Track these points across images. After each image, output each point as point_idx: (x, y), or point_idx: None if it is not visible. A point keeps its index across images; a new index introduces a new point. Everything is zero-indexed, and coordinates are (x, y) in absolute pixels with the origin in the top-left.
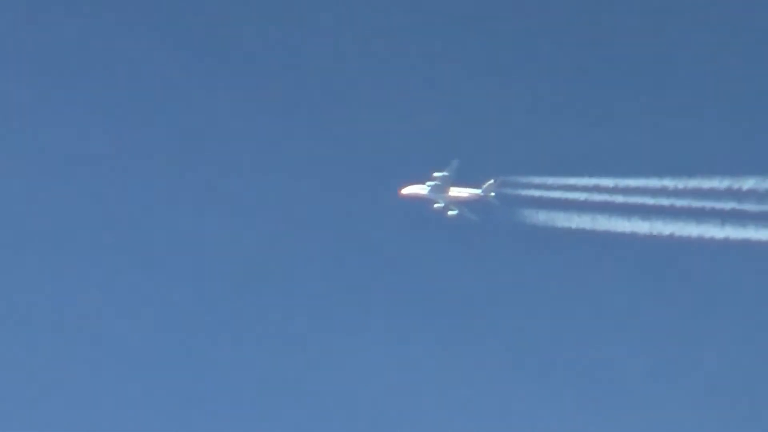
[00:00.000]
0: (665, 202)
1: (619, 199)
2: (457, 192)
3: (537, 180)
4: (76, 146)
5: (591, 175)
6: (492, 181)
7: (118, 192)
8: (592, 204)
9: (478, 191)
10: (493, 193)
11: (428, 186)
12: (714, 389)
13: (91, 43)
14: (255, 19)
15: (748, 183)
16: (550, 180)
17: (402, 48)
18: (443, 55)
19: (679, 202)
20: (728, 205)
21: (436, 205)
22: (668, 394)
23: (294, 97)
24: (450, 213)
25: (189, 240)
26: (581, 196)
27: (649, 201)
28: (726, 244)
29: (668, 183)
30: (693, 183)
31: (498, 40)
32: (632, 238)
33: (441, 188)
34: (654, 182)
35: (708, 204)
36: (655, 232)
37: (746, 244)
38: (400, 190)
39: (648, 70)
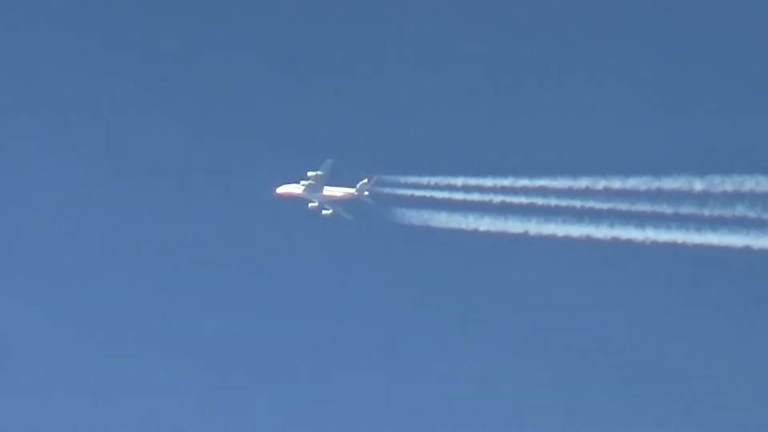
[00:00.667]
0: (540, 201)
1: (495, 198)
2: (331, 191)
3: (411, 179)
4: None
5: (465, 174)
6: (366, 181)
7: None
8: (467, 204)
9: (352, 190)
10: (367, 193)
11: (303, 185)
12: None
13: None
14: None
15: (623, 182)
16: (425, 179)
17: (277, 45)
18: (315, 51)
19: (557, 202)
20: (600, 204)
21: (310, 205)
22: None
23: (171, 93)
24: (324, 212)
25: None
26: (456, 195)
27: (524, 200)
28: (595, 243)
29: (545, 182)
30: (569, 182)
31: (369, 35)
32: (506, 237)
33: (315, 187)
34: (529, 181)
35: (583, 203)
36: (530, 232)
37: (619, 243)
38: (275, 189)
39: (527, 67)
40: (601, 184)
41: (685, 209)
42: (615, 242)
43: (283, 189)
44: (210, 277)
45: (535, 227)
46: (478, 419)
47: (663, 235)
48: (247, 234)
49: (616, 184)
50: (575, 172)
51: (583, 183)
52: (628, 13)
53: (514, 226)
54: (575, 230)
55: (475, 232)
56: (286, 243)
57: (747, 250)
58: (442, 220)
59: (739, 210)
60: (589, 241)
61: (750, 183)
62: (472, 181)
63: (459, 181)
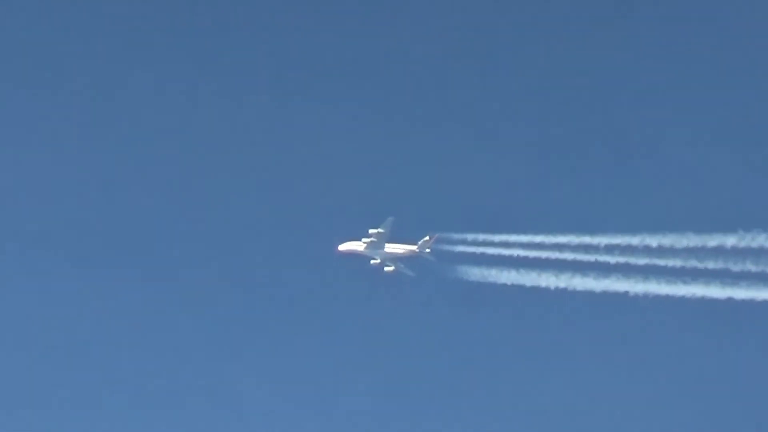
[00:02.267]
0: (598, 258)
1: (551, 255)
2: (393, 248)
3: (471, 236)
4: None
5: (524, 232)
6: (427, 238)
7: None
8: (525, 260)
9: (413, 247)
10: (428, 250)
11: (365, 242)
12: None
13: None
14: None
15: (678, 240)
16: (484, 237)
17: (333, 104)
18: (381, 110)
19: (610, 259)
20: (659, 261)
21: (372, 261)
22: None
23: (236, 156)
24: (387, 269)
25: None
26: (514, 252)
27: (582, 257)
28: (655, 299)
29: (598, 239)
30: (624, 239)
31: (427, 97)
32: (565, 294)
33: (377, 245)
34: (584, 239)
35: (638, 260)
36: (587, 288)
37: (675, 301)
38: (338, 246)
39: (582, 132)
40: (653, 241)
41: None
42: (676, 299)
43: (346, 246)
44: (276, 334)
45: (595, 284)
46: None
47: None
48: (313, 289)
49: (677, 241)
50: (634, 230)
51: (642, 240)
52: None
53: (573, 282)
54: (633, 286)
55: (536, 289)
56: (350, 299)
57: None
58: (502, 276)
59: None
60: (653, 298)
61: None
62: (532, 239)
63: (519, 238)
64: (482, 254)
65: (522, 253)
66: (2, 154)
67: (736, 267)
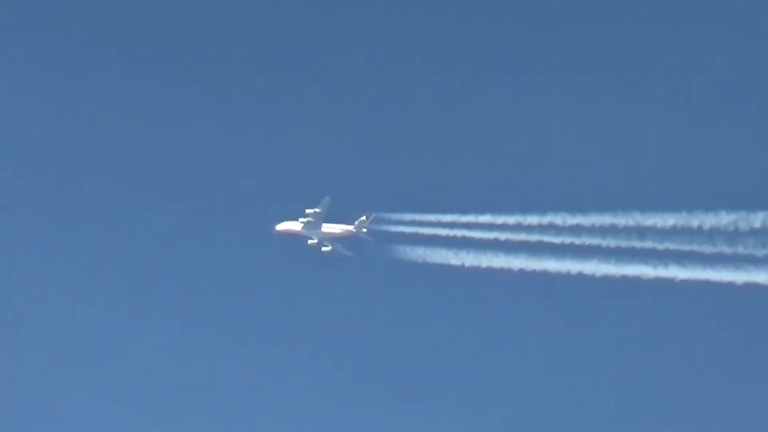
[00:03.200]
0: (536, 237)
1: (491, 235)
2: (329, 228)
3: (408, 217)
4: None
5: (461, 212)
6: (364, 218)
7: None
8: (462, 240)
9: (350, 227)
10: (365, 230)
11: (301, 222)
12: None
13: None
14: None
15: (615, 219)
16: (422, 217)
17: (274, 83)
18: (314, 87)
19: (550, 238)
20: (598, 240)
21: (310, 242)
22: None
23: (177, 137)
24: (324, 249)
25: None
26: (451, 232)
27: (518, 236)
28: (594, 280)
29: (539, 219)
30: (561, 219)
31: (368, 73)
32: (503, 273)
33: (314, 224)
34: (524, 218)
35: (577, 240)
36: (526, 268)
37: (614, 280)
38: (275, 226)
39: (517, 104)
40: (598, 220)
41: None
42: (616, 279)
43: (283, 226)
44: (212, 314)
45: (531, 263)
46: None
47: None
48: (249, 270)
49: (612, 219)
50: (571, 209)
51: (580, 219)
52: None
53: (508, 262)
54: (572, 266)
55: (471, 269)
56: (287, 279)
57: None
58: (438, 256)
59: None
60: (586, 277)
61: None
62: (469, 219)
63: (455, 218)
64: (419, 234)
65: (459, 233)
66: None
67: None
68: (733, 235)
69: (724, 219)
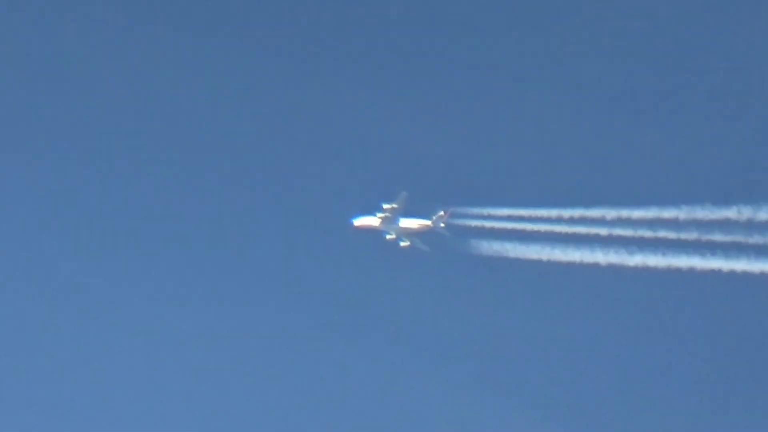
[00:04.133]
0: (618, 232)
1: (567, 229)
2: (407, 223)
3: (486, 211)
4: None
5: (539, 205)
6: (441, 213)
7: None
8: (541, 234)
9: (428, 222)
10: (443, 225)
11: (379, 217)
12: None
13: None
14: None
15: (693, 212)
16: (498, 211)
17: (349, 80)
18: (393, 85)
19: (629, 232)
20: (675, 234)
21: (388, 237)
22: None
23: (248, 129)
24: (402, 244)
25: None
26: (530, 226)
27: (599, 231)
28: (680, 273)
29: (618, 213)
30: (641, 213)
31: (439, 71)
32: (582, 267)
33: (391, 220)
34: (601, 212)
35: (654, 233)
36: (604, 262)
37: (695, 274)
38: (353, 221)
39: (590, 101)
40: (681, 213)
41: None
42: (696, 272)
43: (361, 221)
44: (292, 310)
45: (611, 257)
46: None
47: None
48: (329, 265)
49: (694, 213)
50: (649, 203)
51: (662, 213)
52: None
53: (588, 256)
54: (652, 260)
55: (550, 263)
56: (367, 274)
57: None
58: (517, 251)
59: None
60: (667, 271)
61: None
62: (547, 213)
63: (533, 212)
64: (497, 228)
65: (538, 227)
66: None
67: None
68: None
69: None
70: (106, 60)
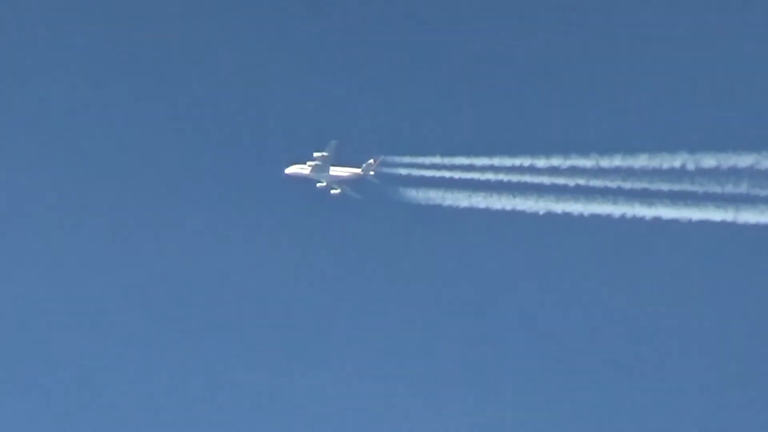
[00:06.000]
0: (542, 179)
1: (494, 177)
2: (338, 171)
3: (414, 159)
4: None
5: (466, 153)
6: (371, 161)
7: None
8: (469, 182)
9: (358, 170)
10: (372, 172)
11: (310, 165)
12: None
13: None
14: None
15: (615, 160)
16: (427, 159)
17: (279, 29)
18: (319, 36)
19: (562, 180)
20: (595, 181)
21: (318, 185)
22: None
23: (182, 81)
24: (333, 192)
25: None
26: (458, 174)
27: (522, 178)
28: (584, 220)
29: (543, 161)
30: (571, 160)
31: (376, 23)
32: (507, 214)
33: (322, 168)
34: (527, 160)
35: (576, 179)
36: (528, 209)
37: (622, 221)
38: (284, 169)
39: (520, 50)
40: (610, 161)
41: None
42: (620, 220)
43: (292, 169)
44: (225, 258)
45: (537, 205)
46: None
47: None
48: (260, 213)
49: (622, 161)
50: (574, 150)
51: (587, 161)
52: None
53: (514, 203)
54: (574, 207)
55: (478, 210)
56: (298, 221)
57: None
58: (445, 198)
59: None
60: (595, 219)
61: None
62: (474, 161)
63: (461, 161)
64: (425, 177)
65: (465, 174)
66: None
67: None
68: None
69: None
70: None
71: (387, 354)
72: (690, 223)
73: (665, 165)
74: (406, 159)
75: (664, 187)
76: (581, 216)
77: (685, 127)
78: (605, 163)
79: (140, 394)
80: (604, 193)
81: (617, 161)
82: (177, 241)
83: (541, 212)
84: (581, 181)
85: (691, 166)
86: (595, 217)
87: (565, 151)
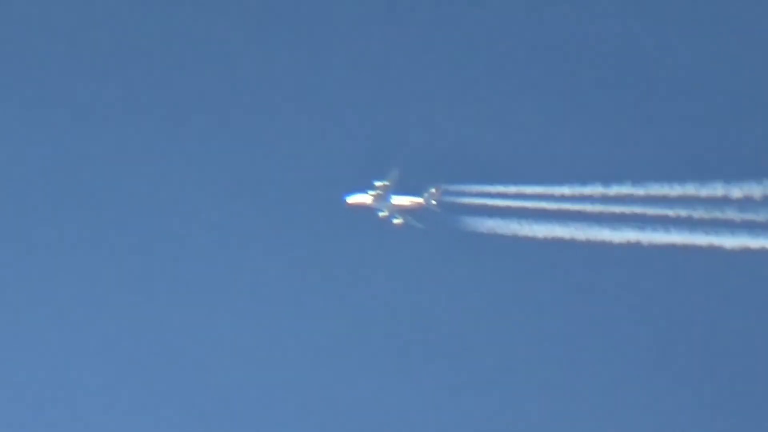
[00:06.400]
0: (601, 208)
1: (559, 206)
2: (399, 201)
3: (478, 188)
4: None
5: (531, 182)
6: (433, 190)
7: None
8: (531, 211)
9: (420, 200)
10: (434, 202)
11: (371, 195)
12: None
13: None
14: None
15: (671, 189)
16: (491, 188)
17: (341, 58)
18: (382, 64)
19: (620, 209)
20: (659, 210)
21: (381, 214)
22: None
23: (241, 114)
24: (395, 221)
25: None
26: (521, 203)
27: (584, 207)
28: (660, 249)
29: (606, 190)
30: (632, 190)
31: (440, 53)
32: (571, 244)
33: (384, 197)
34: (589, 189)
35: (644, 209)
36: (590, 238)
37: (671, 249)
38: (346, 199)
39: (577, 80)
40: (675, 190)
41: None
42: (688, 248)
43: (354, 199)
44: (286, 287)
45: (602, 234)
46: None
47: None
48: (323, 242)
49: (688, 190)
50: (643, 179)
51: (652, 190)
52: None
53: (581, 232)
54: (645, 236)
55: (543, 240)
56: (360, 251)
57: None
58: (509, 227)
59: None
60: (660, 247)
61: None
62: (538, 190)
63: (525, 189)
64: (488, 205)
65: (529, 204)
66: None
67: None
68: None
69: None
70: None
71: (456, 384)
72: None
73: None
74: (469, 188)
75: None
76: (651, 245)
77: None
78: (675, 191)
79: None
80: (674, 223)
81: (688, 190)
82: (238, 272)
83: (607, 241)
84: (655, 211)
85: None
86: (666, 247)
87: (633, 178)
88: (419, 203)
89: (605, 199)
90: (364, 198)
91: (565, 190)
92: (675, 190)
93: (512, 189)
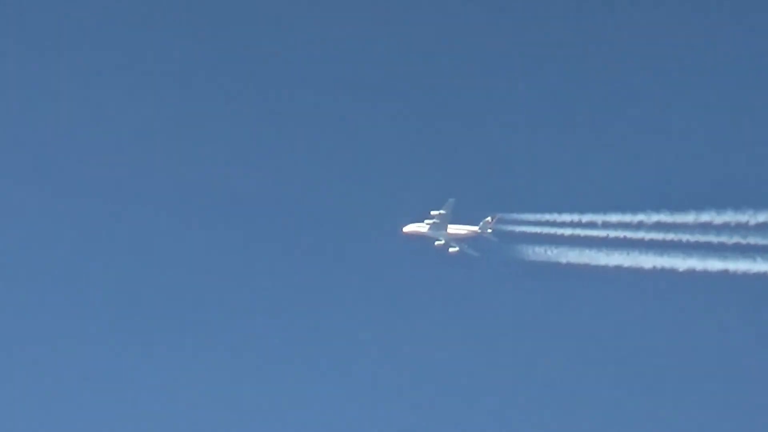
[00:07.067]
0: (659, 236)
1: (609, 233)
2: (455, 229)
3: (531, 217)
4: None
5: (581, 211)
6: (489, 219)
7: None
8: (583, 239)
9: (475, 228)
10: (490, 230)
11: (427, 224)
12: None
13: None
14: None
15: (736, 216)
16: (544, 216)
17: (401, 89)
18: (437, 94)
19: (674, 236)
20: (714, 238)
21: (437, 243)
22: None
23: (295, 139)
24: (451, 250)
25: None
26: (573, 231)
27: (641, 235)
28: (714, 276)
29: (661, 217)
30: (684, 217)
31: (484, 81)
32: (625, 271)
33: (440, 226)
34: (643, 217)
35: (698, 237)
36: (646, 266)
37: (735, 276)
38: (402, 228)
39: (634, 110)
40: (715, 218)
41: None
42: (748, 276)
43: (410, 228)
44: (345, 315)
45: (656, 261)
46: None
47: None
48: (380, 271)
49: (735, 217)
50: (688, 207)
51: (714, 218)
52: None
53: (633, 260)
54: (706, 264)
55: (595, 267)
56: (418, 279)
57: None
58: (563, 255)
59: None
60: (718, 275)
61: None
62: (591, 218)
63: (578, 217)
64: (543, 234)
65: (582, 232)
66: None
67: None
68: None
69: None
70: None
71: (515, 414)
72: None
73: None
74: (524, 216)
75: None
76: (705, 272)
77: None
78: (722, 219)
79: None
80: (723, 250)
81: (737, 217)
82: (297, 301)
83: (659, 268)
84: (705, 238)
85: None
86: (719, 274)
87: (682, 207)
88: (475, 232)
89: (655, 227)
90: (420, 227)
91: (617, 217)
92: (726, 217)
93: (567, 218)
